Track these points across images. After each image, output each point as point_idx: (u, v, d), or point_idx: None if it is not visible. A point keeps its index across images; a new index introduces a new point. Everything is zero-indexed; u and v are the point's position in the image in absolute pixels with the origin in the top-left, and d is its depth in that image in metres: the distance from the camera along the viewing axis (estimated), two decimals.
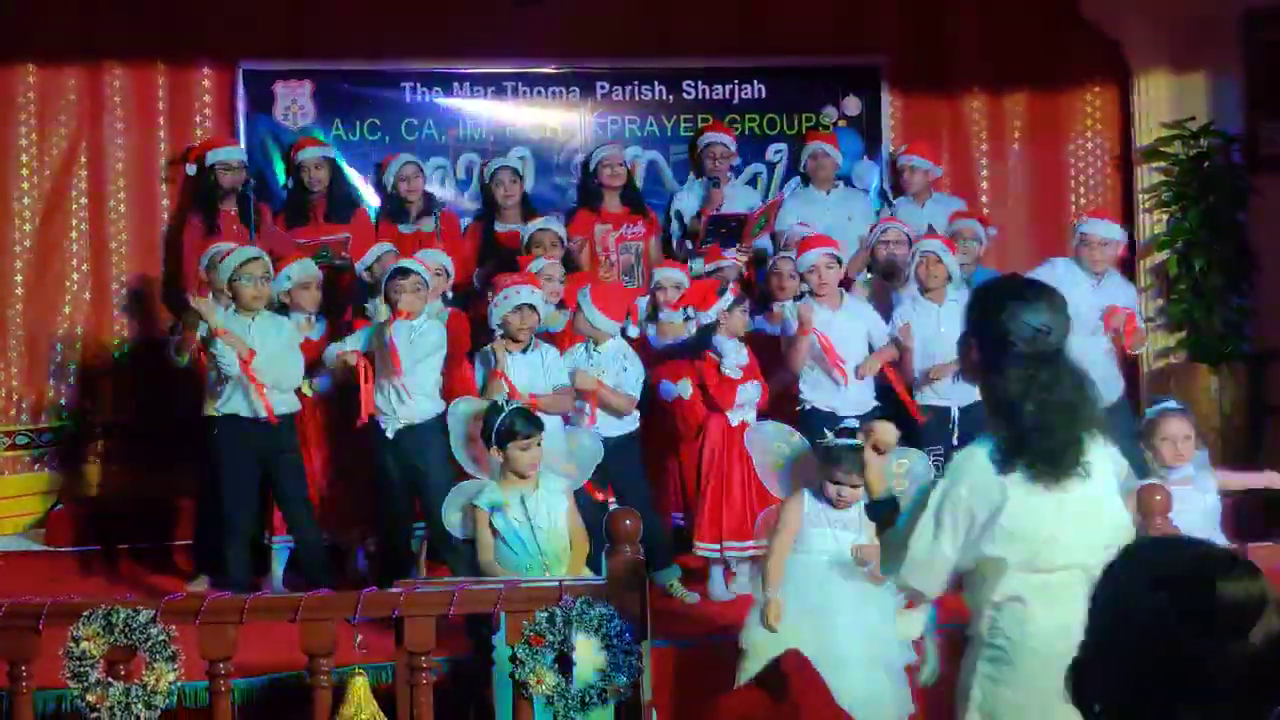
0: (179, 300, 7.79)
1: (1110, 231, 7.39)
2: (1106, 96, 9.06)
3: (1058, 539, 3.24)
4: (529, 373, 6.51)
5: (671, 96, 8.91)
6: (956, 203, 8.40)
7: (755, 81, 8.94)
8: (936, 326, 6.83)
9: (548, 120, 8.86)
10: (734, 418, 6.74)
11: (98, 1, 8.36)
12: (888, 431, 3.60)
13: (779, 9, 8.86)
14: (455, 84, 8.78)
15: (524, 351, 6.56)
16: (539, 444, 5.54)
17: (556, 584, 4.31)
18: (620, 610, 4.12)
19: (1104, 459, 3.35)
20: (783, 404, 6.98)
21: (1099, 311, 7.03)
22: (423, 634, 4.19)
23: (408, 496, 6.81)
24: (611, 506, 6.10)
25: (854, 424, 5.27)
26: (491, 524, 5.42)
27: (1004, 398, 3.24)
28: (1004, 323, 3.27)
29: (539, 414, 5.76)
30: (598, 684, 4.09)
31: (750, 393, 6.76)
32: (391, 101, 8.74)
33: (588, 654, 4.11)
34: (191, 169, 8.18)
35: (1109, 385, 7.17)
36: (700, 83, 8.91)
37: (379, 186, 8.43)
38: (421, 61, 8.73)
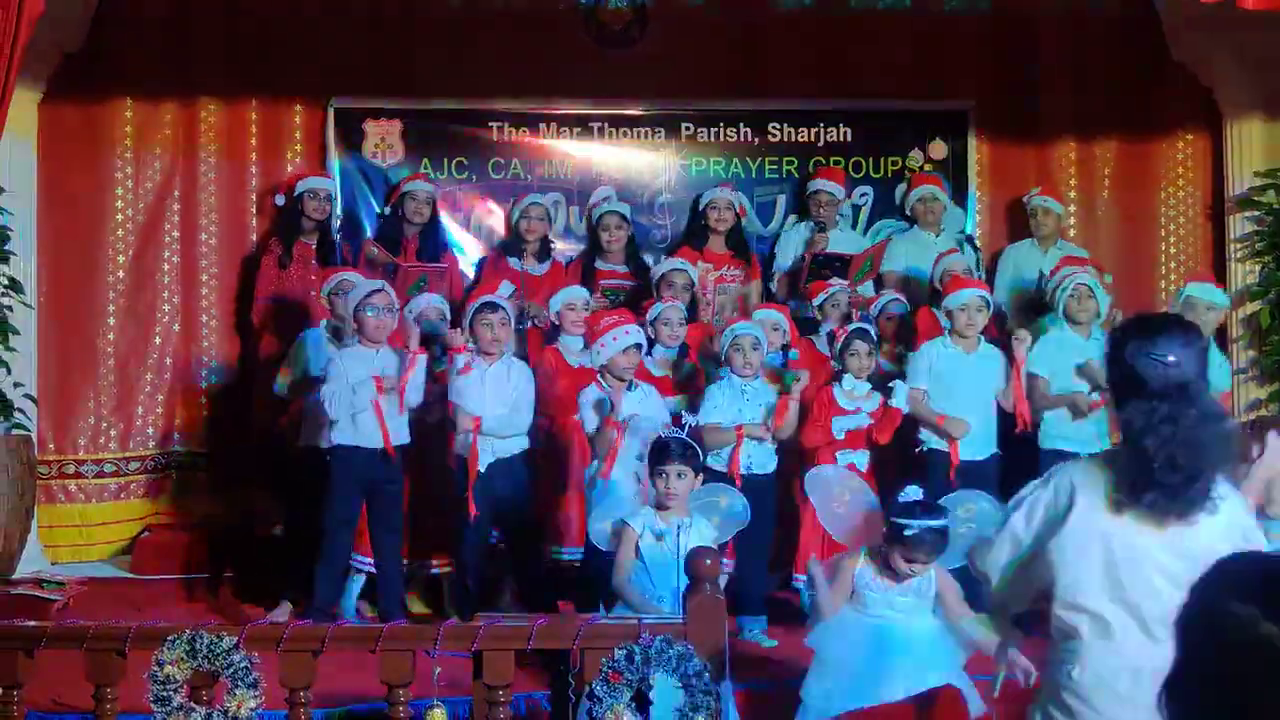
0: (281, 331, 7.89)
1: (1216, 296, 7.30)
2: (1198, 144, 8.95)
3: (1153, 582, 3.16)
4: (634, 409, 6.53)
5: (757, 139, 8.93)
6: (1078, 251, 8.32)
7: (841, 124, 8.94)
8: (1075, 359, 6.88)
9: (633, 161, 8.91)
10: (843, 459, 6.73)
11: (194, 39, 8.54)
12: None
13: (866, 52, 8.86)
14: (542, 124, 8.86)
15: (629, 389, 6.61)
16: (692, 476, 5.53)
17: (635, 621, 4.30)
18: (699, 649, 4.09)
19: (1234, 504, 3.27)
20: (903, 445, 6.93)
21: None
22: (501, 667, 4.19)
23: (488, 529, 6.84)
24: (726, 564, 6.03)
25: (918, 494, 5.21)
26: (638, 547, 5.42)
27: (1128, 432, 3.21)
28: (1129, 359, 3.25)
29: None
30: None
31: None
32: (479, 140, 8.83)
33: (666, 693, 4.09)
34: (280, 199, 8.31)
35: None
36: (786, 125, 8.93)
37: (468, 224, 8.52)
38: (509, 101, 8.81)
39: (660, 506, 5.56)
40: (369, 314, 6.67)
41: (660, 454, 5.59)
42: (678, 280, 7.58)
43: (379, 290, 6.77)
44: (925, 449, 6.85)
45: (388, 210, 8.44)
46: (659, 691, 4.10)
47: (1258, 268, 8.45)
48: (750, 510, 6.21)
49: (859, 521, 5.50)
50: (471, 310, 6.81)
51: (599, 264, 8.14)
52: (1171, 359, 3.22)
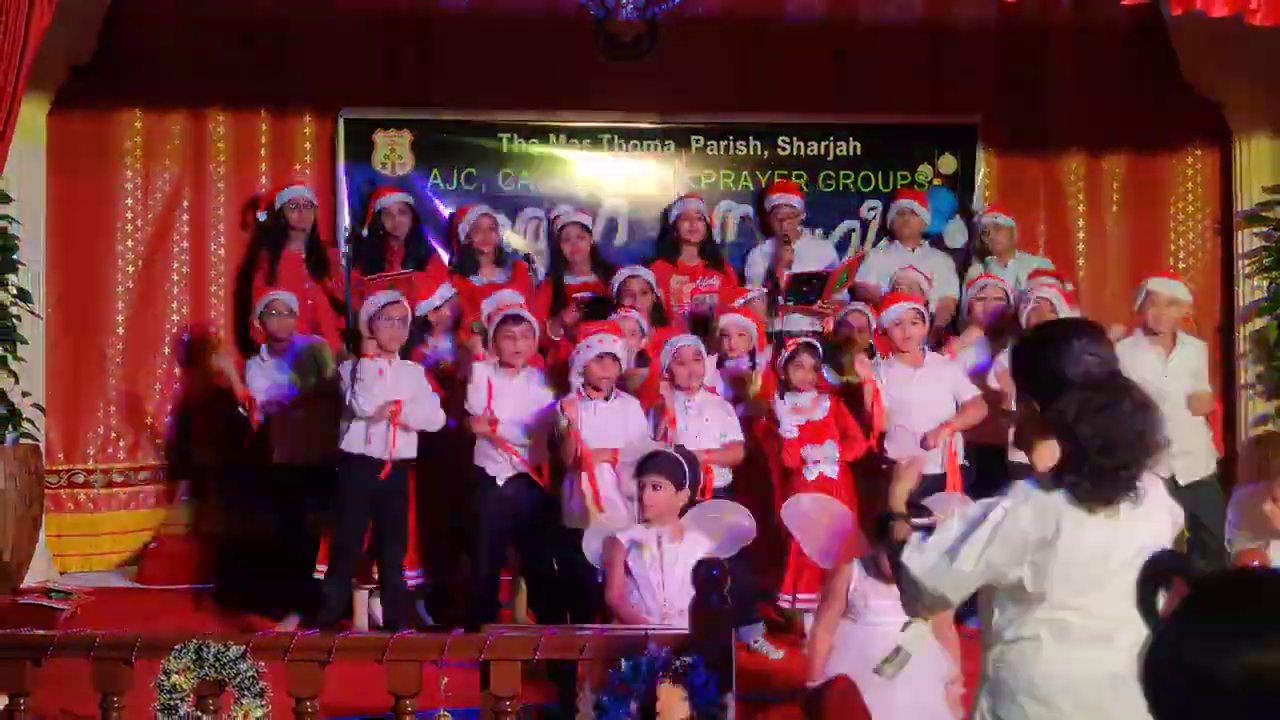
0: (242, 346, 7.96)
1: (1179, 291, 7.32)
2: (1207, 159, 8.95)
3: (1102, 580, 3.12)
4: (610, 422, 6.52)
5: (766, 152, 8.93)
6: (1039, 261, 8.33)
7: (850, 138, 8.94)
8: None
9: (642, 174, 8.92)
10: (809, 473, 6.73)
11: (203, 50, 8.56)
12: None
13: (875, 66, 8.87)
14: (552, 136, 8.87)
15: (606, 399, 6.58)
16: (672, 490, 5.51)
17: (642, 632, 4.29)
18: (705, 661, 4.09)
19: (1161, 499, 3.26)
20: (868, 461, 6.91)
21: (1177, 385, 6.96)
22: (508, 678, 4.19)
23: (505, 544, 6.85)
24: None
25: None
26: (627, 563, 5.41)
27: (1061, 422, 3.15)
28: (1054, 362, 3.25)
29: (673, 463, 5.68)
30: None
31: (826, 450, 6.74)
32: (488, 152, 8.83)
33: (672, 704, 4.08)
34: (263, 216, 8.31)
35: (1201, 460, 7.11)
36: (795, 138, 8.92)
37: (450, 238, 8.50)
38: (519, 113, 8.83)
39: (645, 520, 5.53)
40: (383, 324, 6.70)
41: (643, 465, 5.57)
42: (635, 287, 7.55)
43: (395, 302, 6.81)
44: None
45: (365, 232, 8.35)
46: (665, 703, 4.09)
47: (1265, 283, 8.44)
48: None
49: (842, 542, 5.48)
50: (496, 323, 6.80)
51: (568, 278, 8.10)
52: (1095, 352, 3.25)
